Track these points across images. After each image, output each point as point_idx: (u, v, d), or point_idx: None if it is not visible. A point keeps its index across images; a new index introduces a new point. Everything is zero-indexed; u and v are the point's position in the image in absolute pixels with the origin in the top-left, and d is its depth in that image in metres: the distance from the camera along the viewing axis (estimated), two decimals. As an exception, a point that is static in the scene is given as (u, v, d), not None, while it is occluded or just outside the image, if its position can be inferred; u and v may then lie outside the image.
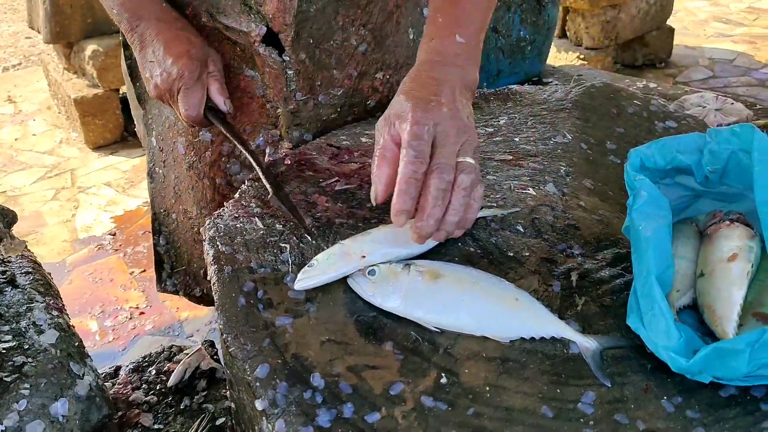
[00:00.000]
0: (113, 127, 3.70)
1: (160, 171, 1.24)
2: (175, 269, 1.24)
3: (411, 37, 1.18)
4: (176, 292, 1.27)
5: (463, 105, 0.83)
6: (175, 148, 1.19)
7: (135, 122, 1.38)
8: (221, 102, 1.03)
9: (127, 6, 1.02)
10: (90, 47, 3.54)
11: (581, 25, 3.85)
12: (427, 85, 0.83)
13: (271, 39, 1.06)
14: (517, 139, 1.08)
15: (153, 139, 1.23)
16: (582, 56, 3.84)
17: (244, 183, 1.01)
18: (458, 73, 0.86)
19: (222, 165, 1.17)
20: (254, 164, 0.97)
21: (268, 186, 0.93)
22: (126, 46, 1.20)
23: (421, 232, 0.78)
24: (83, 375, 0.74)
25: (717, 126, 1.64)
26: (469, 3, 0.90)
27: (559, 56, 3.91)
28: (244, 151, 1.00)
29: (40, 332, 0.77)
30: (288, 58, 1.07)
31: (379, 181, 0.80)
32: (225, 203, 0.96)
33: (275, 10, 1.02)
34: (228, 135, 1.03)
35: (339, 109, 1.14)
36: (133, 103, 1.35)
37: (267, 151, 1.14)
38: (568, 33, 3.98)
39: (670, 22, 4.24)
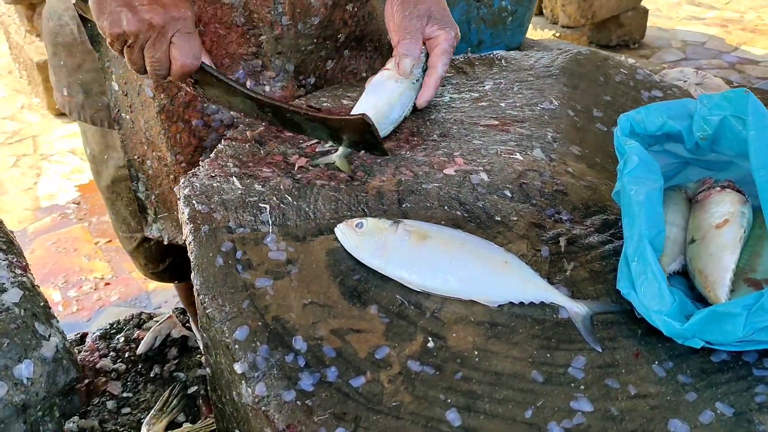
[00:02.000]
0: (78, 93, 3.57)
1: (127, 116, 1.15)
2: (158, 215, 1.19)
3: None
4: (161, 240, 1.21)
5: None
6: (142, 91, 1.10)
7: (54, 80, 1.24)
8: (207, 59, 0.93)
9: None
10: (53, 9, 3.40)
11: (558, 2, 3.83)
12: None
13: None
14: (503, 105, 1.05)
15: (114, 83, 1.13)
16: (558, 34, 3.83)
17: (221, 142, 0.97)
18: None
19: (198, 105, 1.09)
20: (267, 100, 0.93)
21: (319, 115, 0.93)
22: None
23: (428, 101, 1.04)
24: (49, 336, 0.70)
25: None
26: None
27: (534, 34, 3.88)
28: (253, 95, 0.92)
29: (3, 290, 0.72)
30: None
31: (415, 59, 1.02)
32: (201, 162, 0.91)
33: None
34: (228, 86, 0.93)
35: (315, 41, 1.10)
36: (53, 62, 1.21)
37: (248, 83, 1.08)
38: (544, 11, 3.96)
39: (644, 3, 4.25)
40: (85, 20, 1.06)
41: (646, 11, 4.24)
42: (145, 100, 1.10)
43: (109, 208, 1.35)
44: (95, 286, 2.41)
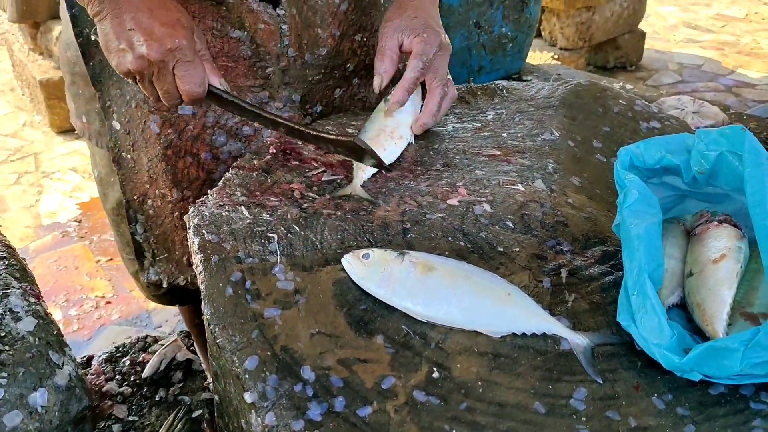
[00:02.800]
0: (80, 111, 3.59)
1: (128, 156, 1.15)
2: (156, 257, 1.19)
3: (382, 1, 1.19)
4: (159, 283, 1.22)
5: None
6: (146, 128, 1.11)
7: (73, 107, 1.27)
8: (218, 81, 0.93)
9: None
10: (58, 28, 3.44)
11: (556, 25, 3.88)
12: (426, 8, 1.07)
13: None
14: (505, 135, 1.08)
15: (115, 122, 1.13)
16: (556, 56, 3.88)
17: (228, 171, 0.99)
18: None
19: (207, 138, 1.10)
20: (286, 123, 0.95)
21: (330, 137, 0.95)
22: (76, 23, 1.08)
23: (424, 126, 1.06)
24: (62, 365, 0.71)
25: (694, 128, 1.67)
26: None
27: (533, 55, 3.93)
28: (264, 114, 0.94)
29: (18, 319, 0.73)
30: (284, 12, 1.06)
31: (385, 75, 1.04)
32: (209, 191, 0.93)
33: None
34: (240, 106, 0.95)
35: (323, 71, 1.13)
36: (72, 90, 1.24)
37: None
38: (543, 33, 4.01)
39: (641, 26, 4.31)
40: (87, 60, 1.08)
41: (643, 34, 4.30)
42: (150, 137, 1.11)
43: (114, 230, 1.36)
44: (96, 304, 2.42)
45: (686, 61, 4.44)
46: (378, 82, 1.04)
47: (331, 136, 0.95)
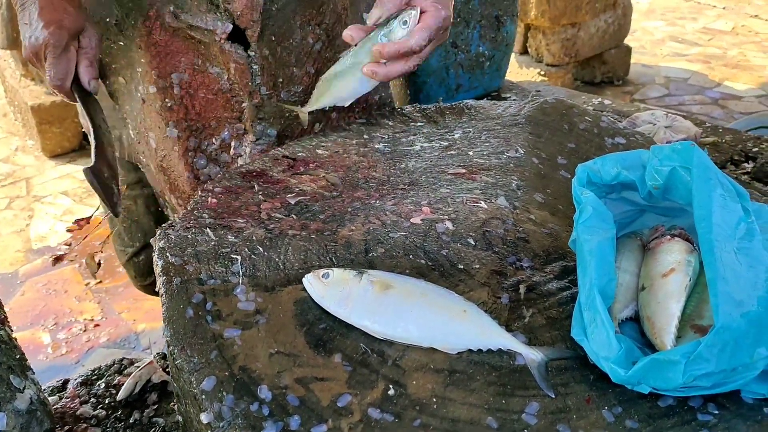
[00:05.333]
0: (71, 135, 3.63)
1: (144, 160, 1.29)
2: None
3: None
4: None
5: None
6: (149, 143, 1.24)
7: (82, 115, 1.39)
8: (86, 81, 1.05)
9: None
10: (48, 54, 3.48)
11: (542, 42, 3.93)
12: None
13: (235, 36, 1.12)
14: (471, 153, 1.10)
15: (131, 131, 1.26)
16: (543, 72, 3.92)
17: (198, 192, 1.01)
18: None
19: (189, 159, 1.19)
20: (91, 139, 1.03)
21: (92, 157, 1.00)
22: None
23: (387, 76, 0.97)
24: (23, 388, 0.72)
25: (666, 142, 1.69)
26: None
27: (520, 72, 3.98)
28: (88, 130, 1.04)
29: (-20, 344, 0.75)
30: (254, 53, 1.13)
31: (384, 7, 0.95)
32: (175, 215, 0.95)
33: (243, 7, 1.08)
34: (83, 112, 1.05)
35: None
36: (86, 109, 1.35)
37: (232, 144, 1.19)
38: (529, 49, 4.05)
39: (627, 41, 4.36)
40: (104, 80, 1.21)
41: (629, 49, 4.35)
42: (152, 150, 1.23)
43: (108, 222, 1.50)
44: (85, 327, 2.43)
45: (673, 74, 4.48)
46: (377, 14, 0.96)
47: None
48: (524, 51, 4.07)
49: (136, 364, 1.19)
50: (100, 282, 2.66)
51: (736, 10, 5.74)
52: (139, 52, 1.15)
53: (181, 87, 1.16)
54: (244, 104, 1.16)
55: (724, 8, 5.81)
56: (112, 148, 1.07)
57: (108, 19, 1.16)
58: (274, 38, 1.14)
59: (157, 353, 1.22)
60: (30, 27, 1.01)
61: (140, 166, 1.32)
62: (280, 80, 1.17)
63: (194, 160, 1.20)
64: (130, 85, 1.21)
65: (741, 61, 4.68)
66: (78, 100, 1.05)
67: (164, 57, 1.15)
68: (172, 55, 1.14)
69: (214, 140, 1.13)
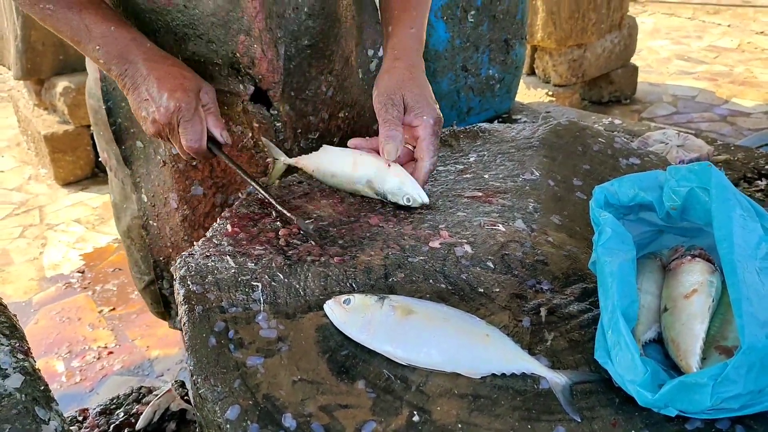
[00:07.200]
0: (84, 163, 3.67)
1: (155, 224, 1.29)
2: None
3: (360, 76, 1.29)
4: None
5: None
6: (168, 203, 1.24)
7: (97, 142, 1.38)
8: (218, 133, 1.05)
9: (113, 52, 1.02)
10: (61, 84, 3.53)
11: (549, 63, 3.95)
12: (421, 81, 1.07)
13: (257, 96, 1.15)
14: (486, 176, 1.10)
15: (143, 195, 1.27)
16: (550, 93, 3.94)
17: (216, 221, 1.01)
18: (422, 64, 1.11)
19: (215, 215, 1.21)
20: (262, 193, 1.03)
21: (286, 213, 1.00)
22: (110, 113, 1.21)
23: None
24: (49, 420, 0.73)
25: (679, 162, 1.70)
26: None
27: (528, 93, 4.00)
28: (249, 181, 1.05)
29: (5, 376, 0.75)
30: (276, 112, 1.16)
31: (399, 143, 1.02)
32: (195, 242, 0.95)
33: (265, 71, 1.11)
34: (231, 164, 1.07)
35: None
36: (95, 130, 1.34)
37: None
38: (536, 71, 4.08)
39: (634, 60, 4.38)
40: (120, 144, 1.22)
41: (635, 68, 4.37)
42: (170, 211, 1.23)
43: (125, 250, 1.47)
44: (98, 355, 2.43)
45: (680, 92, 4.49)
46: (393, 149, 1.02)
47: (285, 212, 1.01)
48: (531, 72, 4.10)
49: (154, 393, 1.19)
50: (113, 309, 2.66)
51: (741, 27, 5.77)
52: None
53: None
54: (268, 159, 1.18)
55: (729, 26, 5.84)
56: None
57: None
58: (293, 93, 1.17)
59: (176, 381, 1.22)
60: (153, 101, 1.00)
61: (146, 231, 1.31)
62: (299, 131, 1.21)
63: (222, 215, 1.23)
64: (148, 149, 1.22)
65: (748, 77, 4.69)
66: (220, 154, 1.06)
67: None
68: None
69: (240, 194, 1.14)
